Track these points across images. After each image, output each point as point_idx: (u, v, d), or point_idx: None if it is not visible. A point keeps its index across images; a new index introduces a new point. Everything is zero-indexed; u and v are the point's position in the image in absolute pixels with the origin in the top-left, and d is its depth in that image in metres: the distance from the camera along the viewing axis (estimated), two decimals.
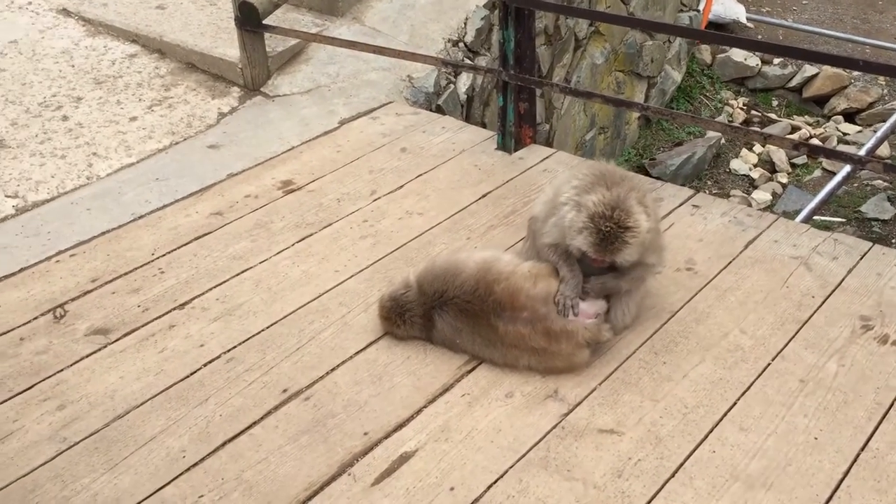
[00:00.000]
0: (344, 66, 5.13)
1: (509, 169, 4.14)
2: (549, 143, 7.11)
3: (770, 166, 8.43)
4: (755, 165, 8.47)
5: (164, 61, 5.32)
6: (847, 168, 6.99)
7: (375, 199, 3.94)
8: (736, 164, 8.48)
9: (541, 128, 6.84)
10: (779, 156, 8.46)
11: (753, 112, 9.24)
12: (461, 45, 5.47)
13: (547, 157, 4.24)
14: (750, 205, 7.79)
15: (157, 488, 2.57)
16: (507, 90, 4.19)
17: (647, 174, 8.20)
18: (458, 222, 3.74)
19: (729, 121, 9.06)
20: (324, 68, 5.13)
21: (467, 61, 5.41)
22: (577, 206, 2.77)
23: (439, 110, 5.10)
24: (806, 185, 8.06)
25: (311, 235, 3.71)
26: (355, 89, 4.94)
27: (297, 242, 3.66)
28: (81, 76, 5.16)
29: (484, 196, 3.93)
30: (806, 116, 9.22)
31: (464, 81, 5.32)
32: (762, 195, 7.99)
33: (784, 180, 8.27)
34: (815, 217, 7.40)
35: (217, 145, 4.47)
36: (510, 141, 4.27)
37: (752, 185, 8.31)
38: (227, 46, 5.12)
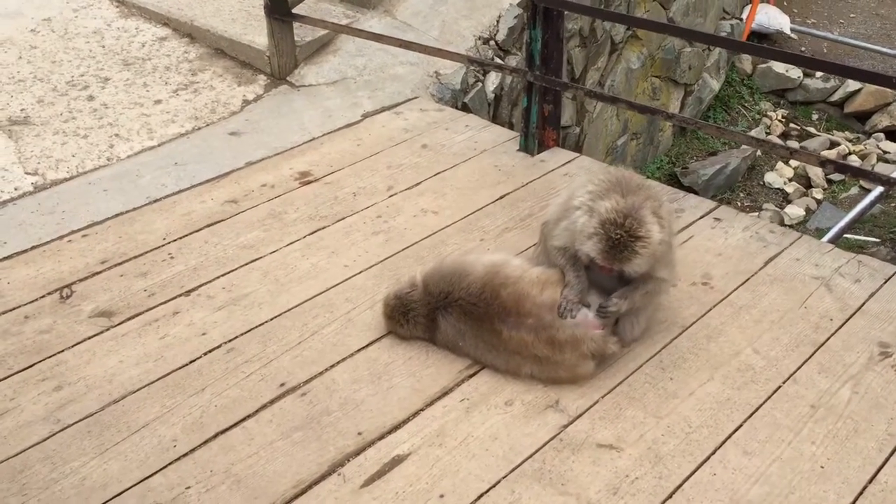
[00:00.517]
0: (372, 59, 5.09)
1: (530, 171, 4.07)
2: (578, 147, 7.03)
3: (805, 181, 8.27)
4: (790, 179, 8.31)
5: (193, 46, 5.31)
6: (880, 188, 6.83)
7: (391, 195, 3.89)
8: (770, 178, 8.32)
9: (571, 131, 6.76)
10: (815, 171, 8.29)
11: (792, 125, 9.07)
12: (492, 43, 5.41)
13: (569, 161, 4.17)
14: (782, 220, 7.65)
15: (144, 476, 2.54)
16: (532, 91, 4.12)
17: (679, 183, 8.10)
18: (473, 223, 3.68)
19: (766, 133, 8.90)
20: (351, 60, 5.09)
21: (497, 60, 5.34)
22: (589, 211, 2.70)
23: (465, 108, 5.04)
24: (842, 202, 7.90)
25: (323, 228, 3.67)
26: (381, 83, 4.90)
27: (309, 235, 3.62)
28: (111, 57, 5.16)
29: (501, 197, 3.87)
30: (846, 132, 9.04)
31: (492, 80, 5.26)
32: (795, 210, 7.83)
33: (819, 196, 8.11)
34: (847, 236, 7.24)
35: (238, 132, 4.45)
36: (533, 143, 4.21)
37: (785, 199, 8.16)
38: (257, 34, 5.10)
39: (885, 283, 3.28)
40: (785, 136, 8.95)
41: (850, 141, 8.87)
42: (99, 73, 5.01)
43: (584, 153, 6.98)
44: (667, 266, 2.84)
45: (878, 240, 7.26)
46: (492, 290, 2.82)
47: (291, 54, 4.96)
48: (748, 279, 3.31)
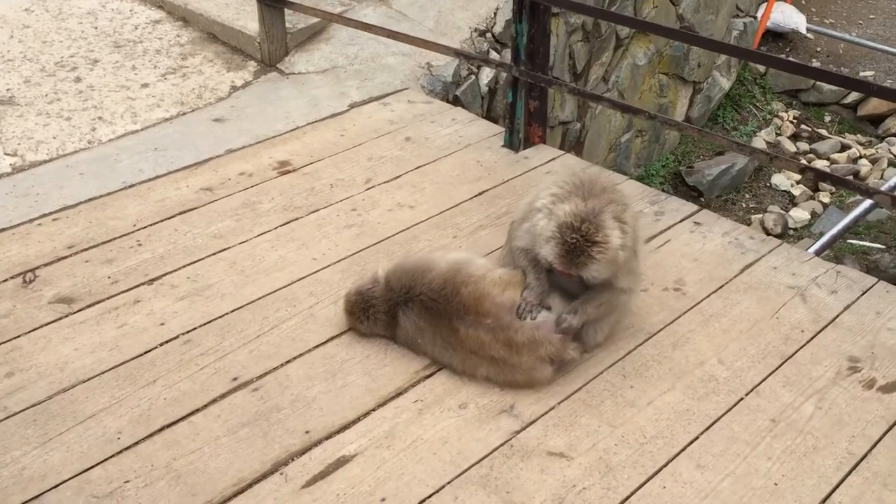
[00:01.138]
0: (363, 49, 5.03)
1: (512, 168, 4.01)
2: (580, 143, 6.95)
3: (813, 184, 8.14)
4: (797, 182, 8.19)
5: (186, 30, 5.27)
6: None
7: (369, 188, 3.84)
8: (777, 180, 8.21)
9: (572, 126, 6.68)
10: None
11: (803, 126, 8.93)
12: (489, 35, 5.34)
13: (553, 159, 4.10)
14: (786, 223, 7.53)
15: (84, 468, 2.51)
16: (517, 86, 4.06)
17: (684, 182, 8.00)
18: (448, 219, 3.63)
19: (777, 134, 8.78)
20: (343, 49, 5.04)
21: (492, 52, 5.27)
22: (549, 214, 2.64)
23: (457, 101, 4.98)
24: (848, 206, 7.76)
25: (296, 220, 3.63)
26: (371, 73, 4.84)
27: (281, 226, 3.58)
28: (102, 39, 5.14)
29: (480, 194, 3.81)
30: (858, 135, 8.90)
31: (486, 73, 5.19)
32: (800, 214, 7.72)
33: (826, 200, 7.98)
34: (853, 241, 7.12)
35: (222, 119, 4.41)
36: (517, 139, 4.14)
37: (792, 202, 8.04)
38: (249, 19, 5.06)
39: (862, 295, 3.20)
40: (795, 137, 8.82)
41: (861, 144, 8.73)
42: (89, 54, 4.98)
43: (585, 150, 6.91)
44: (629, 275, 2.77)
45: (882, 246, 7.13)
46: (453, 286, 2.78)
47: (282, 41, 4.92)
48: (722, 286, 3.24)
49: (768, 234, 7.45)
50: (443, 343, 2.80)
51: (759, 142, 8.53)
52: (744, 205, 8.04)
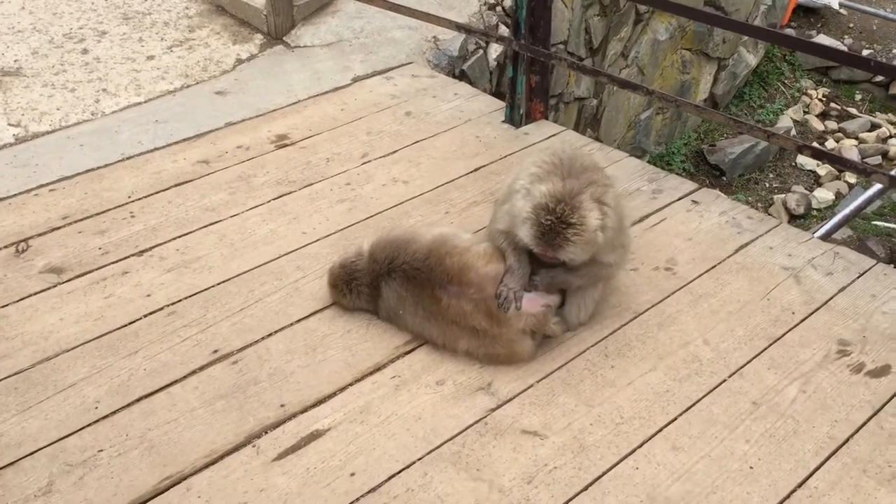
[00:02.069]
0: (370, 22, 5.01)
1: (511, 144, 3.99)
2: (596, 120, 6.88)
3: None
4: (824, 162, 8.04)
5: (195, 2, 5.29)
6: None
7: (365, 163, 3.84)
8: (803, 159, 8.07)
9: (588, 103, 6.62)
10: (851, 153, 8.02)
11: (832, 104, 8.77)
12: (499, 9, 5.29)
13: (553, 136, 4.07)
14: (809, 203, 7.42)
15: (61, 436, 2.55)
16: (517, 61, 4.02)
17: (706, 161, 7.91)
18: (442, 195, 3.62)
19: (804, 112, 8.63)
20: (349, 22, 5.02)
21: (502, 27, 5.22)
22: (526, 195, 2.62)
23: (463, 76, 4.95)
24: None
25: (289, 193, 3.64)
26: (377, 46, 4.83)
27: (274, 199, 3.60)
28: (111, 10, 5.17)
29: (476, 170, 3.80)
30: (889, 115, 8.72)
31: (495, 48, 5.15)
32: (825, 194, 7.60)
33: (852, 180, 7.85)
34: (877, 223, 7.00)
35: (224, 92, 4.42)
36: (518, 115, 4.11)
37: (816, 182, 7.91)
38: None
39: (859, 277, 3.15)
40: (824, 115, 8.67)
41: (893, 124, 8.56)
42: (98, 26, 5.01)
43: (602, 127, 6.85)
44: (613, 250, 2.74)
45: None
46: (437, 257, 2.78)
47: (289, 14, 4.91)
48: (714, 266, 3.21)
49: (791, 214, 7.36)
50: (424, 313, 2.80)
51: (785, 120, 8.40)
52: (767, 184, 7.93)
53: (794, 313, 2.99)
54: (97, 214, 3.50)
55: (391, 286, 2.84)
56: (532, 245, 2.57)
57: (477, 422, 2.61)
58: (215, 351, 2.84)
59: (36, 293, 3.09)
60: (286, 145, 3.97)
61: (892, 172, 3.07)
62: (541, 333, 2.79)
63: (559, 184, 2.56)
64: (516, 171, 2.90)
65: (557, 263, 2.67)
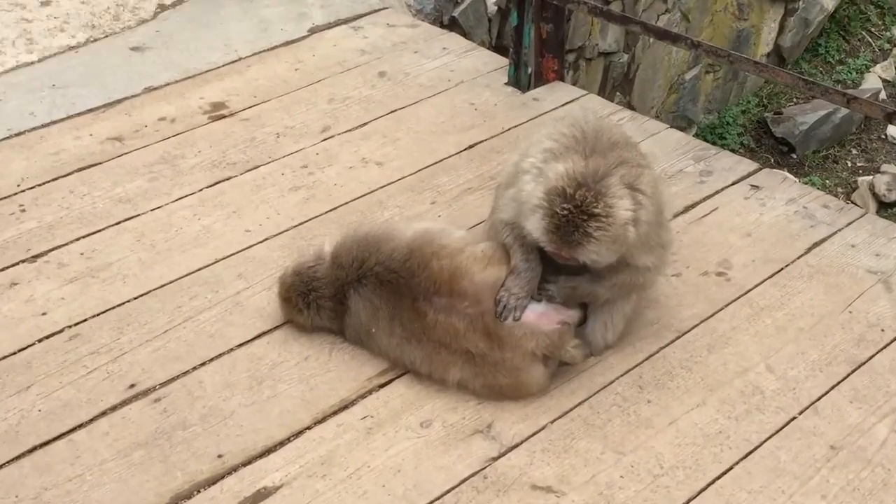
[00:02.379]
0: None
1: (516, 113, 4.01)
2: (628, 80, 6.91)
3: None
4: None
5: None
6: None
7: (326, 139, 3.86)
8: (895, 130, 8.11)
9: (616, 60, 6.64)
10: None
11: None
12: None
13: (571, 101, 4.10)
14: (890, 189, 7.45)
15: None
16: (524, 5, 4.04)
17: (770, 133, 7.95)
18: (427, 180, 3.64)
19: None
20: None
21: None
22: (538, 177, 2.62)
23: (454, 24, 4.97)
24: None
25: (227, 179, 3.65)
26: None
27: (208, 187, 3.61)
28: None
29: (471, 147, 3.82)
30: None
31: None
32: None
33: None
34: None
35: (143, 47, 4.43)
36: (525, 75, 4.14)
37: None
38: None
39: None
40: None
41: None
42: None
43: (636, 90, 6.88)
44: (649, 251, 2.75)
45: None
46: (421, 259, 2.79)
47: None
48: (780, 270, 3.23)
49: (880, 202, 7.39)
50: (404, 332, 2.80)
51: (872, 80, 8.45)
52: (849, 163, 7.97)
53: (883, 330, 3.01)
54: None
55: (361, 298, 2.85)
56: (543, 241, 2.57)
57: (473, 474, 2.61)
58: (132, 385, 2.85)
59: None
60: (224, 116, 3.99)
61: None
62: (556, 359, 2.79)
63: (580, 163, 2.56)
64: (525, 146, 2.90)
65: (576, 266, 2.68)
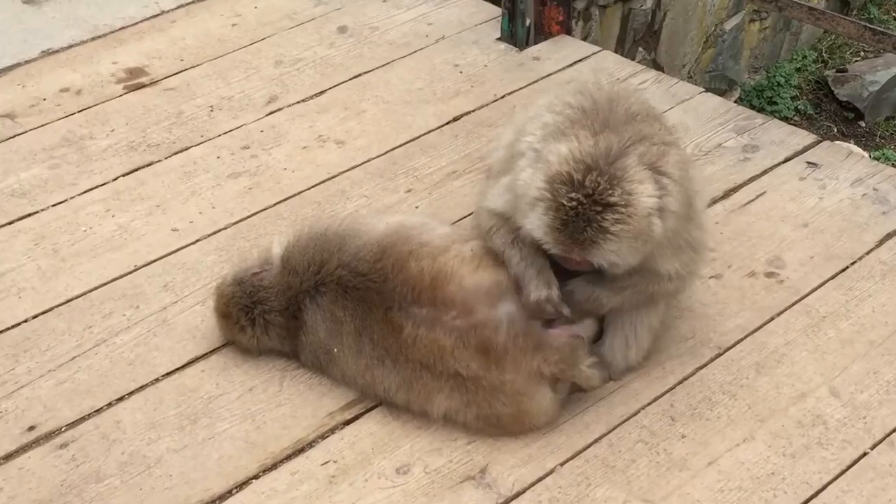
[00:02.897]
0: None
1: (512, 76, 4.03)
2: (653, 32, 6.92)
3: None
4: None
5: None
6: None
7: (273, 112, 3.89)
8: None
9: (637, 6, 6.66)
10: None
11: None
12: None
13: (581, 60, 4.12)
14: None
15: None
16: None
17: (833, 95, 7.97)
18: (400, 161, 3.66)
19: None
20: None
21: None
22: (537, 159, 2.62)
23: None
24: None
25: (148, 166, 3.67)
26: None
27: (123, 176, 3.64)
28: None
29: (455, 120, 3.85)
30: None
31: None
32: None
33: None
34: None
35: (39, 0, 4.44)
36: (523, 28, 4.15)
37: None
38: None
39: None
40: None
41: None
42: None
43: (663, 44, 6.89)
44: (676, 253, 2.75)
45: None
46: (396, 259, 2.80)
47: None
48: (845, 269, 3.27)
49: None
50: (374, 351, 2.81)
51: None
52: None
53: None
54: None
55: (319, 309, 2.86)
56: (548, 242, 2.57)
57: None
58: (31, 428, 2.85)
59: None
60: (143, 86, 4.01)
61: None
62: (567, 382, 2.80)
63: (589, 141, 2.57)
64: (520, 121, 2.91)
65: (588, 271, 2.68)
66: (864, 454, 2.78)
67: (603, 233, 2.49)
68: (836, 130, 7.72)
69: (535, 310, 2.72)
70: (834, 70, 8.08)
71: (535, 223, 2.55)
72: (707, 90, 3.98)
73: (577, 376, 2.80)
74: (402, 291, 2.76)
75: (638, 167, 2.53)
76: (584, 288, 2.75)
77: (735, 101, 4.14)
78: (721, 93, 6.45)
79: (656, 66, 6.42)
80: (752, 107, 6.57)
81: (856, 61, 8.17)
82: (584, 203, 2.48)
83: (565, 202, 2.49)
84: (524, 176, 2.62)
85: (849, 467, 2.75)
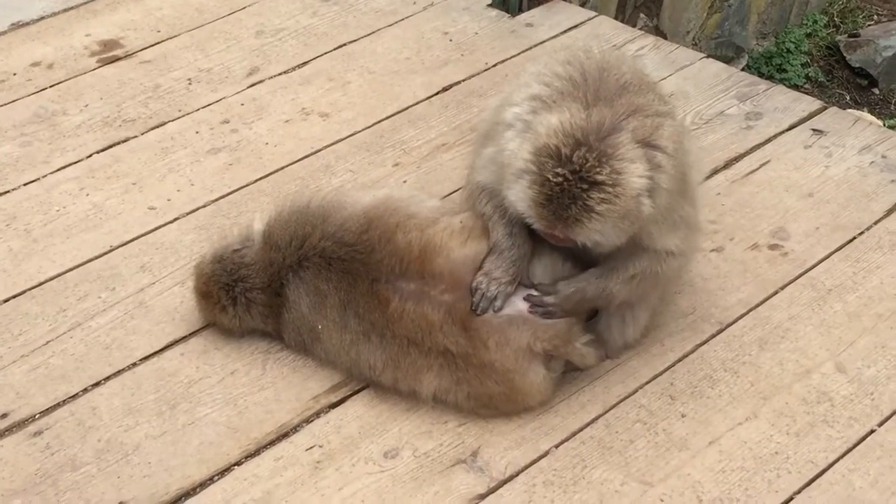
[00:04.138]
0: None
1: (504, 44, 4.04)
2: None
3: None
4: None
5: None
6: None
7: (254, 84, 3.89)
8: None
9: None
10: None
11: None
12: None
13: (575, 27, 4.13)
14: None
15: None
16: None
17: (845, 62, 7.96)
18: (387, 135, 3.67)
19: None
20: None
21: None
22: (524, 131, 2.63)
23: None
24: None
25: (124, 142, 3.68)
26: None
27: (98, 153, 3.64)
28: None
29: (445, 90, 3.86)
30: None
31: None
32: None
33: None
34: None
35: None
36: None
37: None
38: None
39: None
40: None
41: None
42: None
43: (665, 11, 6.88)
44: (672, 228, 2.75)
45: None
46: (383, 230, 2.82)
47: None
48: (851, 240, 3.28)
49: None
50: (359, 325, 2.83)
51: None
52: None
53: None
54: None
55: (303, 283, 2.87)
56: (531, 217, 2.58)
57: None
58: (3, 415, 2.86)
59: None
60: (118, 59, 4.01)
61: None
62: (561, 359, 2.82)
63: (580, 114, 2.57)
64: (508, 90, 2.92)
65: (572, 247, 2.69)
66: (872, 431, 2.80)
67: (588, 211, 2.49)
68: (848, 98, 7.71)
69: (482, 282, 2.74)
70: (846, 35, 8.06)
71: (519, 196, 2.56)
72: (707, 56, 3.98)
73: (572, 353, 2.81)
74: (389, 263, 2.78)
75: (630, 144, 2.53)
76: (595, 283, 2.77)
77: (742, 69, 4.14)
78: (727, 60, 6.43)
79: (659, 32, 6.41)
80: (761, 74, 6.58)
81: (869, 25, 8.15)
82: (571, 179, 2.48)
83: (551, 177, 2.49)
84: (511, 146, 2.63)
85: (855, 445, 2.77)
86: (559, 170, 2.45)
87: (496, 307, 2.71)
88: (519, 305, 2.77)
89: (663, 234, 2.71)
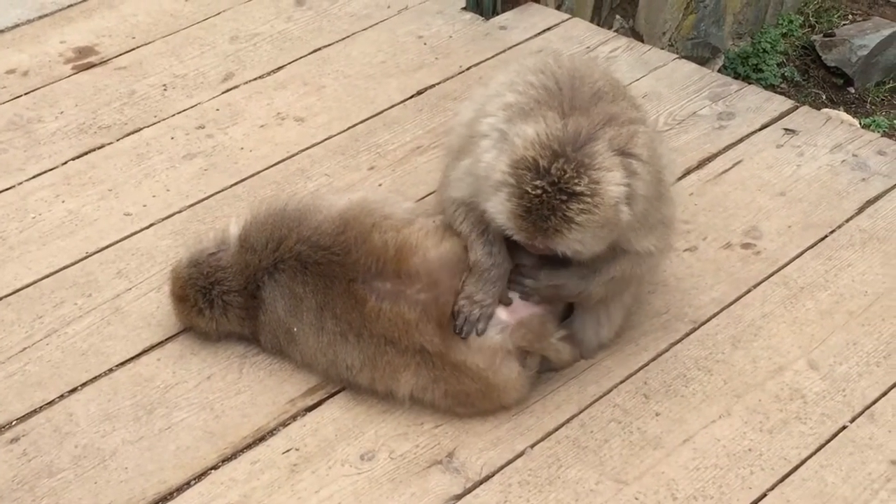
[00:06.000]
0: None
1: (478, 47, 4.06)
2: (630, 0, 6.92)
3: None
4: None
5: None
6: None
7: (230, 90, 3.90)
8: None
9: None
10: None
11: None
12: None
13: (549, 29, 4.14)
14: None
15: None
16: None
17: (821, 61, 7.98)
18: (362, 139, 3.69)
19: None
20: None
21: None
22: (500, 141, 2.64)
23: None
24: None
25: (100, 148, 3.69)
26: None
27: (74, 160, 3.64)
28: None
29: (419, 94, 3.87)
30: None
31: None
32: None
33: None
34: None
35: None
36: None
37: None
38: None
39: None
40: None
41: None
42: None
43: (641, 13, 6.89)
44: (649, 230, 2.76)
45: None
46: (359, 231, 2.83)
47: None
48: (824, 238, 3.29)
49: None
50: (336, 326, 2.84)
51: None
52: None
53: None
54: None
55: (278, 286, 2.88)
56: (510, 229, 2.58)
57: None
58: None
59: None
60: (93, 65, 4.02)
61: None
62: (536, 356, 2.83)
63: (556, 123, 2.57)
64: (480, 97, 2.93)
65: (550, 256, 2.70)
66: (844, 427, 2.81)
67: (567, 222, 2.50)
68: (824, 97, 7.73)
69: (464, 306, 2.76)
70: (821, 35, 8.08)
71: (498, 208, 2.56)
72: (687, 58, 4.00)
73: (547, 349, 2.83)
74: (365, 263, 2.79)
75: (607, 153, 2.54)
76: (575, 283, 2.78)
77: (719, 70, 4.15)
78: (704, 61, 6.47)
79: (635, 33, 6.42)
80: (738, 75, 6.60)
81: (844, 24, 8.17)
82: (549, 191, 2.49)
83: (529, 189, 2.50)
84: (487, 157, 2.63)
85: (828, 441, 2.78)
86: (538, 182, 2.47)
87: (479, 329, 2.73)
88: (498, 314, 2.78)
89: (641, 237, 2.73)
